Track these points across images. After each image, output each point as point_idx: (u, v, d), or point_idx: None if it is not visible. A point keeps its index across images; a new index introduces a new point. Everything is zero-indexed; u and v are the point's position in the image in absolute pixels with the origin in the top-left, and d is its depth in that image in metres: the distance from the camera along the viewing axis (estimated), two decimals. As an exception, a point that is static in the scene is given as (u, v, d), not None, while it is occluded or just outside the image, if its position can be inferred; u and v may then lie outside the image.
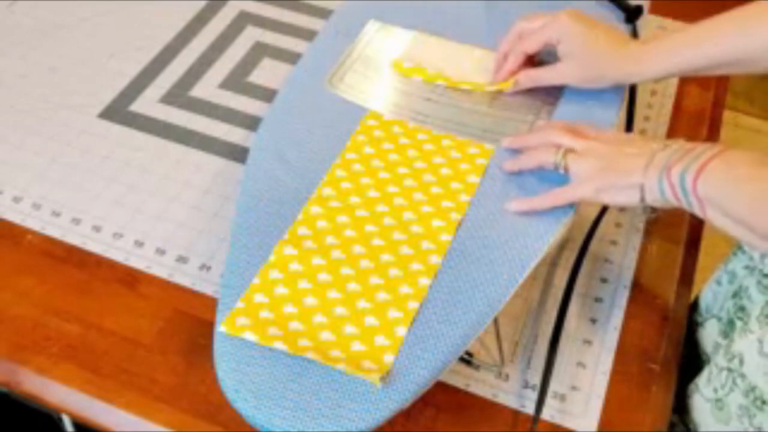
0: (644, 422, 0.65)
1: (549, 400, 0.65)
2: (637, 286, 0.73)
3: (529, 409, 0.65)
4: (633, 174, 0.61)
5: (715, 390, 0.67)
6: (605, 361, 0.68)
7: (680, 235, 0.78)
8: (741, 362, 0.65)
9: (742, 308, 0.70)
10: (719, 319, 0.74)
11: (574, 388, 0.66)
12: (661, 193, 0.60)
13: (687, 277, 0.75)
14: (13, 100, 0.87)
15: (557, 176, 0.66)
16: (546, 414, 0.65)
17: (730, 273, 0.74)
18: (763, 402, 0.63)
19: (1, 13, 0.97)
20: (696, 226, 0.79)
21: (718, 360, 0.68)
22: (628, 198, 0.62)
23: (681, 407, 0.71)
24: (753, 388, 0.64)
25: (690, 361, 0.74)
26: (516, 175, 0.69)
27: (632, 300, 0.72)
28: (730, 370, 0.66)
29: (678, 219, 0.79)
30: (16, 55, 0.92)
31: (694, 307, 0.79)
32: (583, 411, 0.65)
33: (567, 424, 0.64)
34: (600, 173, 0.63)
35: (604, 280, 0.73)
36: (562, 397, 0.66)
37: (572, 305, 0.71)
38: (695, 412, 0.70)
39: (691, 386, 0.71)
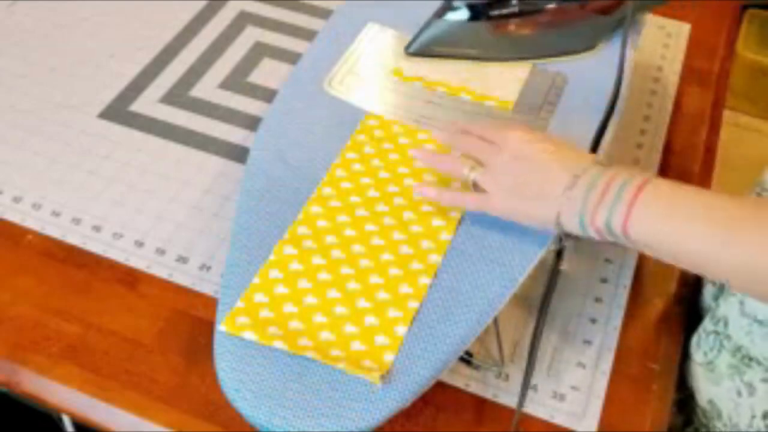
0: (644, 422, 0.65)
1: (549, 401, 0.65)
2: (637, 286, 0.73)
3: (529, 409, 0.65)
4: (546, 210, 0.59)
5: (705, 353, 0.69)
6: (605, 361, 0.68)
7: (680, 235, 0.78)
8: (726, 324, 0.66)
9: None
10: (713, 283, 0.74)
11: (574, 388, 0.66)
12: (584, 233, 0.59)
13: (687, 277, 0.75)
14: (13, 100, 0.87)
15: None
16: (546, 414, 0.65)
17: None
18: (750, 359, 0.65)
19: (1, 13, 0.97)
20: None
21: (706, 324, 0.69)
22: (541, 227, 0.61)
23: (680, 379, 0.72)
24: (739, 348, 0.65)
25: (693, 326, 0.74)
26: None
27: (632, 300, 0.72)
28: (716, 333, 0.67)
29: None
30: (16, 55, 0.92)
31: None
32: (583, 411, 0.65)
33: (567, 424, 0.64)
34: (510, 198, 0.62)
35: (604, 280, 0.73)
36: (562, 397, 0.66)
37: (572, 305, 0.71)
38: (690, 377, 0.71)
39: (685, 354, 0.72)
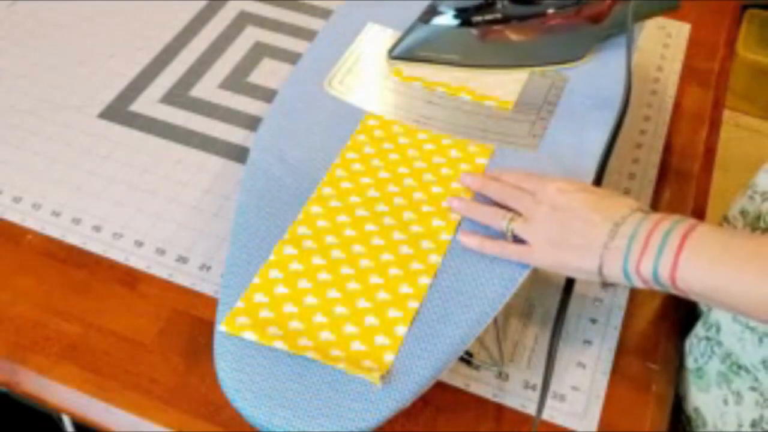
0: (644, 422, 0.65)
1: (549, 400, 0.65)
2: (637, 286, 0.73)
3: (530, 409, 0.65)
4: (589, 261, 0.59)
5: (696, 360, 0.69)
6: (605, 361, 0.68)
7: (680, 235, 0.78)
8: (718, 330, 0.66)
9: None
10: None
11: (574, 388, 0.66)
12: (629, 283, 0.58)
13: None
14: (13, 100, 0.87)
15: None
16: (546, 414, 0.65)
17: None
18: (739, 367, 0.64)
19: (2, 13, 0.97)
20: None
21: (698, 330, 0.69)
22: (585, 277, 0.61)
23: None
24: (729, 354, 0.65)
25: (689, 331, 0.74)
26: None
27: (632, 300, 0.72)
28: (708, 339, 0.67)
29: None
30: (16, 55, 0.92)
31: None
32: (583, 411, 0.65)
33: (567, 424, 0.64)
34: (552, 250, 0.61)
35: (604, 280, 0.73)
36: (562, 397, 0.66)
37: (572, 305, 0.71)
38: (680, 383, 0.71)
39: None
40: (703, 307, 0.72)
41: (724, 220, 0.73)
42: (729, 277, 0.53)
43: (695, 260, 0.54)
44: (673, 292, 0.57)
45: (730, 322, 0.65)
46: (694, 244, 0.55)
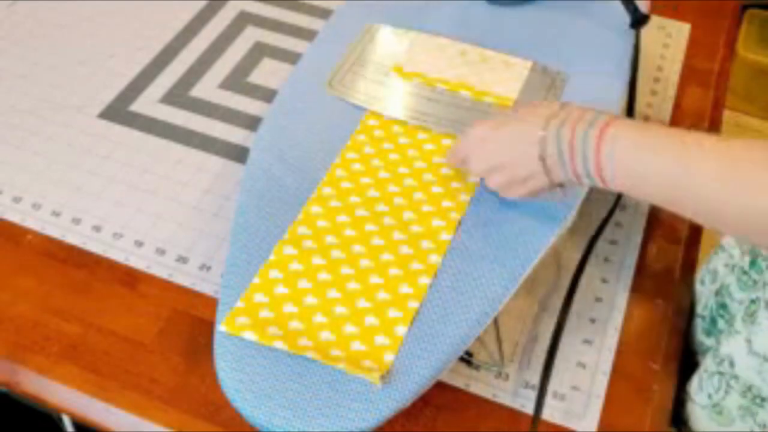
0: (644, 422, 0.65)
1: (549, 400, 0.65)
2: (637, 286, 0.73)
3: (529, 408, 0.65)
4: (530, 156, 0.60)
5: (710, 396, 0.67)
6: (605, 361, 0.68)
7: (680, 235, 0.78)
8: (731, 364, 0.65)
9: (723, 305, 0.70)
10: (702, 318, 0.74)
11: (574, 388, 0.66)
12: (569, 180, 0.59)
13: (687, 277, 0.75)
14: (13, 100, 0.87)
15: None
16: (546, 414, 0.65)
17: (712, 272, 0.74)
18: (762, 399, 0.63)
19: (2, 13, 0.97)
20: (696, 226, 0.79)
21: (708, 365, 0.68)
22: (541, 186, 0.61)
23: (676, 417, 0.71)
24: (749, 388, 0.64)
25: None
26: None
27: (632, 300, 0.72)
28: (721, 373, 0.66)
29: (678, 219, 0.79)
30: (16, 55, 0.92)
31: None
32: (583, 411, 0.65)
33: (567, 424, 0.64)
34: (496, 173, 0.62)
35: (604, 281, 0.73)
36: (562, 397, 0.66)
37: (572, 305, 0.71)
38: (693, 420, 0.70)
39: (683, 395, 0.70)
40: (701, 337, 0.72)
41: (720, 249, 0.73)
42: (649, 162, 0.53)
43: (618, 153, 0.54)
44: (603, 186, 0.57)
45: (745, 356, 0.63)
46: (610, 138, 0.55)
